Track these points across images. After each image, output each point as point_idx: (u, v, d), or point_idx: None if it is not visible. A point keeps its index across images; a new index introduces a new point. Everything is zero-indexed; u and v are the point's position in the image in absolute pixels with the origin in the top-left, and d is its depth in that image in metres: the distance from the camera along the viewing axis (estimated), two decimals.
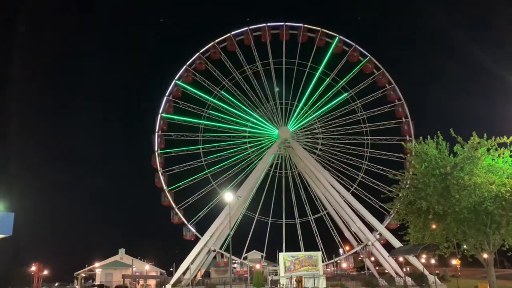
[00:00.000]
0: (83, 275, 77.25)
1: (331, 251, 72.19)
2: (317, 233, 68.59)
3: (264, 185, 68.61)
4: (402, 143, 60.38)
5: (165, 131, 66.87)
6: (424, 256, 65.43)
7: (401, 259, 62.78)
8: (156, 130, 65.79)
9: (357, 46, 68.78)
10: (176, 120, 67.57)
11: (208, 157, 66.89)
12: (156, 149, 64.96)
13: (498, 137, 23.37)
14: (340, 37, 68.98)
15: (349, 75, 69.35)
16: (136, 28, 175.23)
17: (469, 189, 22.33)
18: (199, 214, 64.28)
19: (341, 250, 78.27)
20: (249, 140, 69.29)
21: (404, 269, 57.70)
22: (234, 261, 64.57)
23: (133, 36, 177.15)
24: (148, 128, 67.88)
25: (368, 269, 66.29)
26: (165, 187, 64.21)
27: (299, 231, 68.83)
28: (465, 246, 25.02)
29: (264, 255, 69.77)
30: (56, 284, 75.77)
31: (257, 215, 68.24)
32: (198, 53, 68.17)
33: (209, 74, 69.07)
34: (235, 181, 66.29)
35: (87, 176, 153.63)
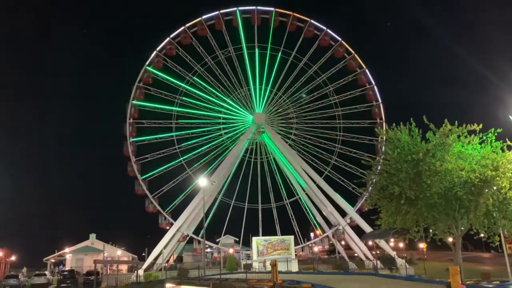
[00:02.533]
0: (53, 260, 75.84)
1: (306, 235, 73.61)
2: (293, 217, 69.59)
3: (240, 170, 68.92)
4: (375, 128, 62.37)
5: (137, 119, 65.55)
6: (392, 240, 67.25)
7: (370, 243, 64.43)
8: (128, 118, 64.35)
9: (328, 30, 69.01)
10: (148, 108, 66.30)
11: (182, 144, 66.29)
12: (128, 137, 63.68)
13: (468, 125, 24.03)
14: (311, 21, 68.96)
15: (321, 60, 69.77)
16: (105, 11, 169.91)
17: (440, 175, 22.94)
18: (174, 202, 63.90)
19: (312, 234, 79.75)
20: (223, 126, 68.94)
21: (374, 253, 59.13)
22: (207, 246, 64.66)
23: (101, 19, 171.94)
24: (119, 115, 66.60)
25: (339, 252, 67.73)
26: (138, 176, 63.27)
27: (275, 216, 69.62)
28: (432, 230, 25.73)
29: (241, 240, 70.14)
30: (24, 269, 74.14)
31: (233, 201, 68.60)
32: (168, 38, 66.72)
33: (180, 60, 68.07)
34: (210, 168, 66.08)
35: (58, 159, 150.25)
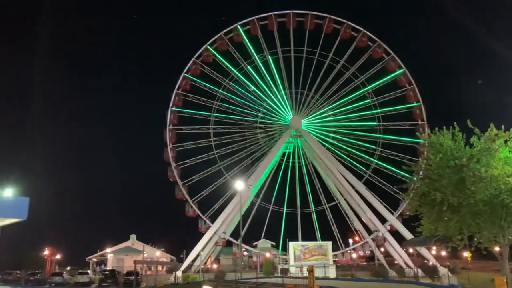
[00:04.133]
0: (95, 260, 78.40)
1: (346, 241, 72.48)
2: (333, 222, 68.56)
3: (278, 175, 68.75)
4: (416, 132, 60.71)
5: (176, 125, 66.83)
6: (434, 248, 65.10)
7: (411, 250, 62.65)
8: (168, 124, 65.64)
9: (366, 31, 67.84)
10: (187, 113, 67.44)
11: (220, 149, 66.96)
12: (168, 143, 64.96)
13: None
14: (348, 22, 68.01)
15: (359, 61, 68.71)
16: (141, 23, 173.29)
17: (485, 182, 22.00)
18: (214, 207, 64.49)
19: (350, 240, 78.39)
20: (260, 131, 69.09)
21: (415, 259, 57.47)
22: (244, 250, 64.91)
23: (137, 31, 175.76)
24: (159, 122, 67.90)
25: (378, 259, 66.22)
26: (179, 181, 64.31)
27: (314, 220, 68.83)
28: (477, 239, 24.72)
29: (280, 244, 69.70)
30: (68, 268, 76.93)
31: (271, 206, 68.57)
32: (205, 45, 67.54)
33: (217, 66, 68.81)
34: (248, 172, 66.26)
35: (101, 161, 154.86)
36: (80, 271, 57.51)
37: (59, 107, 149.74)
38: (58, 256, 77.54)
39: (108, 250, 75.60)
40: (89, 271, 59.18)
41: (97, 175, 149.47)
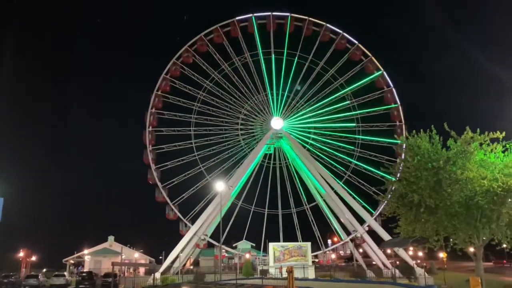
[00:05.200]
0: (72, 261, 76.92)
1: (326, 241, 72.97)
2: (314, 222, 68.75)
3: (259, 176, 68.63)
4: (394, 134, 61.47)
5: (156, 127, 66.29)
6: (412, 249, 66.13)
7: (389, 251, 63.54)
8: (147, 126, 65.05)
9: (345, 34, 68.64)
10: (167, 115, 67.00)
11: (201, 151, 66.64)
12: (147, 145, 64.33)
13: (491, 132, 23.52)
14: (327, 25, 68.66)
15: (338, 63, 69.24)
16: (123, 20, 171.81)
17: (461, 184, 22.48)
18: (195, 209, 64.01)
19: (329, 241, 79.02)
20: (241, 132, 69.03)
21: (392, 261, 58.25)
22: (224, 251, 64.68)
23: (117, 31, 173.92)
24: (139, 123, 67.17)
25: (357, 260, 66.89)
26: (159, 184, 63.78)
27: (295, 221, 68.89)
28: (452, 240, 25.21)
29: (262, 246, 69.61)
30: (44, 270, 75.35)
31: (253, 207, 68.34)
32: (185, 46, 67.22)
33: (198, 67, 68.49)
34: (229, 174, 66.05)
35: (79, 161, 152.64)
36: (56, 273, 56.28)
37: (35, 108, 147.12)
38: (33, 258, 75.89)
39: (85, 251, 74.30)
40: (65, 273, 57.93)
41: (75, 175, 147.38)
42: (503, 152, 23.85)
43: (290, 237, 66.00)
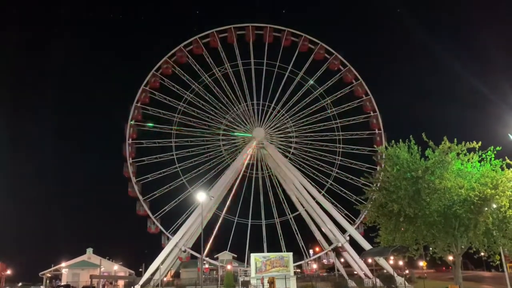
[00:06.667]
0: (49, 275, 74.97)
1: (308, 250, 72.71)
2: (297, 232, 68.47)
3: (242, 187, 68.17)
4: (373, 144, 62.02)
5: (136, 139, 65.47)
6: (392, 258, 66.68)
7: (370, 260, 63.80)
8: (127, 138, 64.21)
9: (323, 44, 69.44)
10: (147, 127, 66.08)
11: (183, 162, 65.92)
12: (127, 158, 63.33)
13: (467, 142, 24.01)
14: (306, 35, 69.46)
15: (317, 73, 69.84)
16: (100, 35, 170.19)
17: (439, 193, 22.86)
18: (177, 222, 63.07)
19: (311, 251, 78.91)
20: (223, 143, 68.74)
21: (371, 269, 58.56)
22: (205, 263, 63.97)
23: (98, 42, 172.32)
24: (118, 135, 66.23)
25: (338, 270, 66.99)
26: (140, 197, 62.79)
27: (279, 231, 68.60)
28: (432, 249, 25.54)
29: (246, 257, 69.07)
30: (20, 284, 73.29)
31: (236, 218, 67.65)
32: (164, 58, 67.03)
33: (177, 79, 68.16)
34: (212, 186, 65.07)
35: (56, 173, 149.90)
36: (32, 287, 54.94)
37: (13, 117, 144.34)
38: (8, 272, 73.69)
39: (63, 264, 72.49)
40: (42, 287, 56.54)
41: (52, 187, 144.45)
42: (480, 161, 24.38)
43: (274, 247, 65.64)
